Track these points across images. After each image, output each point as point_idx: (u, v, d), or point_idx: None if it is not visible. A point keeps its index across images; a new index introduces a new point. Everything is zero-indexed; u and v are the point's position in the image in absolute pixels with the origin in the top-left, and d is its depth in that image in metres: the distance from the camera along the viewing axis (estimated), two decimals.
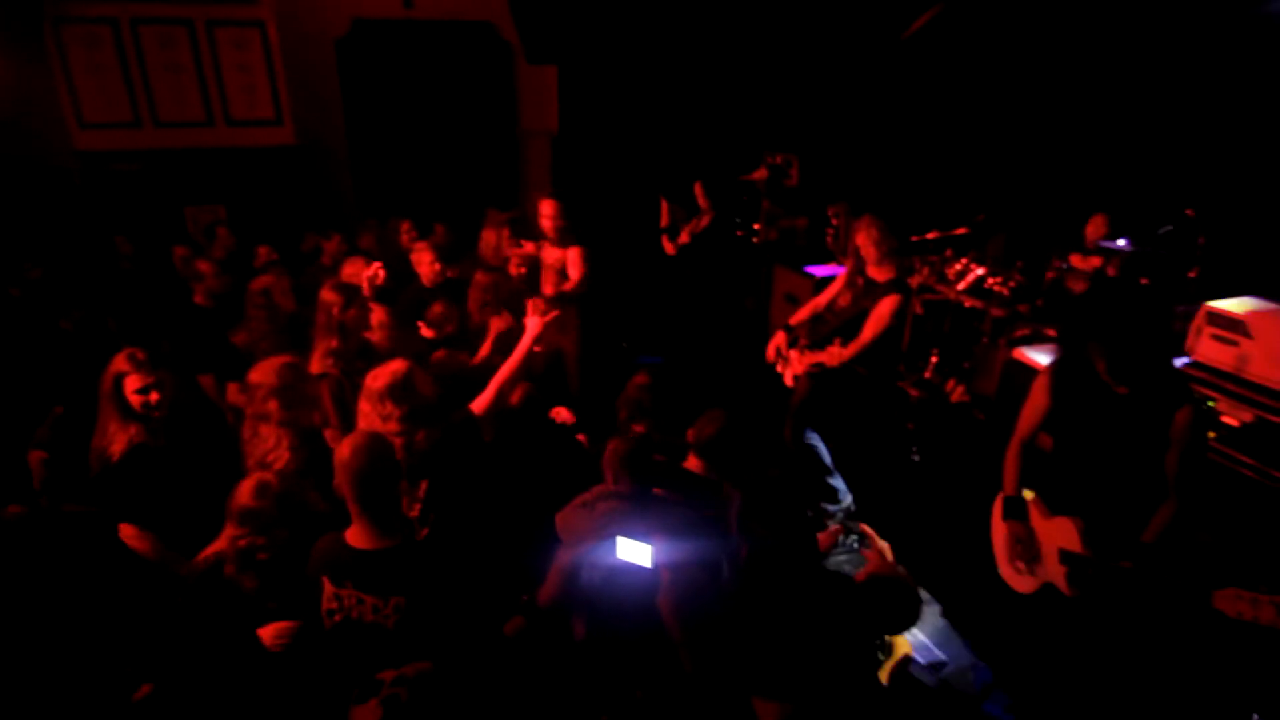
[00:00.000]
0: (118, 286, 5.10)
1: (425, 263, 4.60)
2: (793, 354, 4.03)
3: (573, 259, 4.53)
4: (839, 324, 3.93)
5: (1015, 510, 2.69)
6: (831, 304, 4.07)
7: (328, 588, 2.10)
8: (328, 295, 3.32)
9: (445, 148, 7.44)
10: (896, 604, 2.41)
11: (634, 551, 1.54)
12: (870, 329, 3.76)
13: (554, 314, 3.21)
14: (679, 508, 2.48)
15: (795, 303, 6.30)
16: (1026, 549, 2.66)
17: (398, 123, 7.20)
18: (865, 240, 3.84)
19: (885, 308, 3.72)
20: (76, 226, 6.05)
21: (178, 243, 5.39)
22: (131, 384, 2.74)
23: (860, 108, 6.60)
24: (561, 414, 3.82)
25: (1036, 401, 2.65)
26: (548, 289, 4.62)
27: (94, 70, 5.97)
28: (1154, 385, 2.36)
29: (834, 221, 6.38)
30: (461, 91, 7.32)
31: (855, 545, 3.04)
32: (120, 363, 2.78)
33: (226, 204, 6.52)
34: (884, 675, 2.53)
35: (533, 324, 3.15)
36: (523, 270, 4.79)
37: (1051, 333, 4.56)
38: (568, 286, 4.51)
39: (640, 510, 2.40)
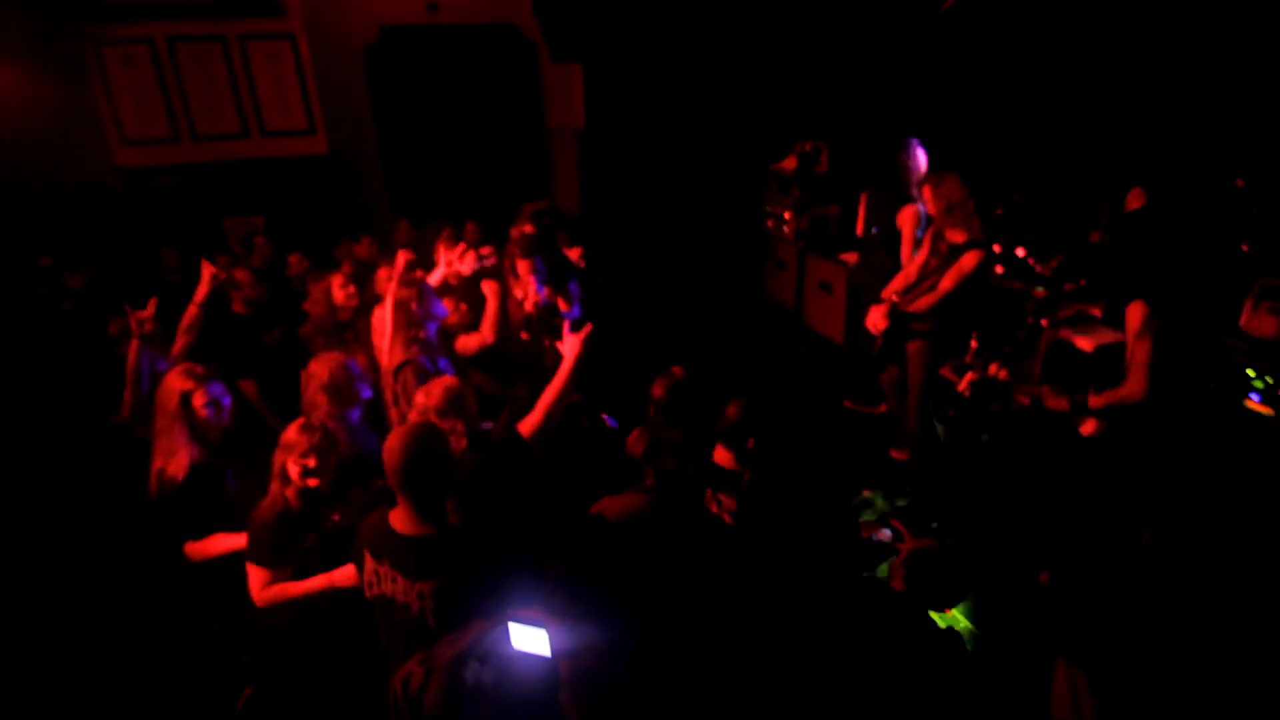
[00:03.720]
0: (164, 297, 5.23)
1: None
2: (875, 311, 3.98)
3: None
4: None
5: None
6: (924, 273, 3.93)
7: (369, 561, 2.18)
8: (402, 292, 3.40)
9: (474, 148, 7.50)
10: (938, 578, 2.37)
11: (530, 639, 1.11)
12: (949, 279, 3.69)
13: (588, 328, 2.96)
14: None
15: (829, 291, 6.22)
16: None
17: (427, 126, 7.29)
18: (929, 198, 3.72)
19: (968, 261, 3.65)
20: (121, 242, 6.23)
21: (218, 254, 5.50)
22: (199, 399, 2.75)
23: (889, 91, 6.48)
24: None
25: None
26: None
27: (133, 88, 6.13)
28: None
29: None
30: (488, 92, 7.39)
31: (889, 540, 3.00)
32: (181, 380, 2.77)
33: (264, 214, 6.64)
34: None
35: (570, 345, 2.94)
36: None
37: (1096, 312, 4.42)
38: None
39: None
